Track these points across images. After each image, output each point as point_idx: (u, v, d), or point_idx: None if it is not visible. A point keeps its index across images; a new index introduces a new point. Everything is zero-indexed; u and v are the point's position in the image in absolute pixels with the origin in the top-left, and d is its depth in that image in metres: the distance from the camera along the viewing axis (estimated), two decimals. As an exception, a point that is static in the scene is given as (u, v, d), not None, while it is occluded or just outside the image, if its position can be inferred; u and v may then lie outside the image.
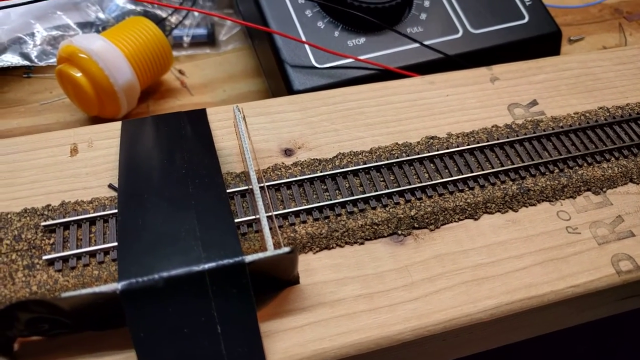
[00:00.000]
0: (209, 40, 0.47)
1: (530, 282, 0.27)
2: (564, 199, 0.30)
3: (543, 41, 0.42)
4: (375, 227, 0.28)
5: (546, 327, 0.29)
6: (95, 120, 0.40)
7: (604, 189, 0.30)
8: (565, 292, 0.26)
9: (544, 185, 0.30)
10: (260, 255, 0.23)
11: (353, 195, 0.28)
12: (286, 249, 0.23)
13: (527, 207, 0.29)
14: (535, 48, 0.42)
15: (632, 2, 0.53)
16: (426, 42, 0.39)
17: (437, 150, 0.31)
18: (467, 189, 0.29)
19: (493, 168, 0.30)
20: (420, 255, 0.27)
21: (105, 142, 0.31)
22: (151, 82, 0.42)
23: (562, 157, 0.31)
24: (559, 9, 0.52)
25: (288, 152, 0.31)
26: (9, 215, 0.27)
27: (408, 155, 0.30)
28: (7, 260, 0.25)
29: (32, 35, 0.43)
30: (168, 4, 0.44)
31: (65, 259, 0.25)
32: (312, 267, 0.26)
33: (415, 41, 0.38)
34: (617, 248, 0.28)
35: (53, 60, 0.42)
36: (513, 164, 0.30)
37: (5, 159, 0.30)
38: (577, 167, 0.31)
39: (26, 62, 0.42)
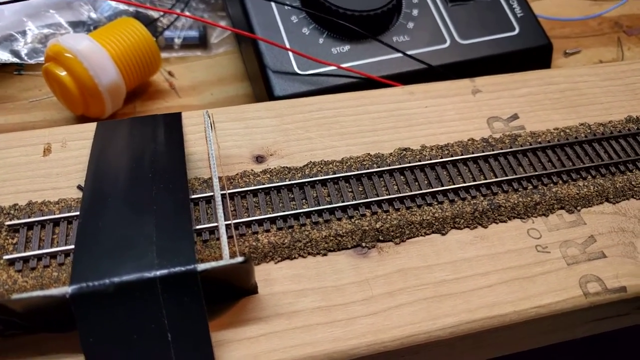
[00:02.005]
0: (201, 43, 0.47)
1: (494, 301, 0.26)
2: (536, 217, 0.29)
3: (533, 54, 0.41)
4: (339, 239, 0.27)
5: (510, 347, 0.29)
6: (82, 119, 0.41)
7: (578, 208, 0.30)
8: (529, 312, 0.26)
9: (515, 201, 0.29)
10: (213, 264, 0.23)
11: (319, 205, 0.28)
12: (239, 259, 0.23)
13: (497, 223, 0.29)
14: (525, 61, 0.41)
15: (633, 16, 0.53)
16: (412, 52, 0.39)
17: (409, 163, 0.30)
18: (435, 203, 0.29)
19: (465, 182, 0.30)
20: (383, 268, 0.27)
21: (79, 142, 0.31)
22: (138, 83, 0.42)
23: (537, 173, 0.30)
24: (556, 21, 0.51)
25: (259, 159, 0.31)
26: (-24, 213, 0.27)
27: (379, 167, 0.30)
28: (-31, 258, 0.26)
29: (24, 33, 0.43)
30: (158, 8, 0.44)
31: (26, 260, 0.26)
32: (272, 277, 0.26)
33: (399, 51, 0.38)
34: (586, 269, 0.27)
35: (43, 59, 0.43)
36: (486, 178, 0.30)
37: (-20, 157, 0.30)
38: (551, 185, 0.30)
39: (16, 60, 0.42)
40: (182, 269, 0.23)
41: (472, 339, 0.26)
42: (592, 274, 0.27)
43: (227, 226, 0.25)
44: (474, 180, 0.30)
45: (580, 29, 0.52)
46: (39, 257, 0.26)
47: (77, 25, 0.45)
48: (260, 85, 0.38)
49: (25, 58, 0.43)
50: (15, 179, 0.29)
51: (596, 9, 0.52)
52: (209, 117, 0.29)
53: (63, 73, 0.37)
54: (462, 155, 0.31)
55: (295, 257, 0.27)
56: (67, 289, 0.22)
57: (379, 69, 0.38)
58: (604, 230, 0.29)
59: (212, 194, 0.28)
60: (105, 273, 0.23)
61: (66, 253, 0.26)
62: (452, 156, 0.31)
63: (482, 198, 0.29)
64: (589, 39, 0.51)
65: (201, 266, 0.23)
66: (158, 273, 0.23)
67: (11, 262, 0.25)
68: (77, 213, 0.27)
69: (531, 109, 0.35)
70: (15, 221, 0.27)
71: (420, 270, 0.27)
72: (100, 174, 0.28)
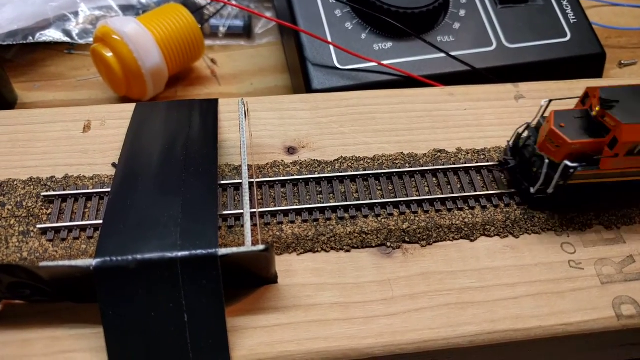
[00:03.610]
0: (245, 33, 0.48)
1: (519, 314, 0.25)
2: (571, 231, 0.28)
3: (584, 62, 0.40)
4: (364, 236, 0.27)
5: (533, 363, 0.28)
6: (124, 100, 0.42)
7: (618, 225, 0.28)
8: (556, 329, 0.25)
9: (551, 213, 0.28)
10: (234, 249, 0.23)
11: (346, 201, 0.28)
12: (260, 247, 0.23)
13: (529, 234, 0.28)
14: (575, 69, 0.40)
15: (697, 29, 0.50)
16: (456, 53, 0.38)
17: (443, 165, 0.30)
18: (467, 208, 0.28)
19: (499, 189, 0.29)
20: (406, 270, 0.26)
21: (117, 122, 0.32)
22: (181, 68, 0.43)
23: (576, 186, 0.29)
24: (613, 30, 0.49)
25: (291, 151, 0.31)
26: (15, 182, 0.28)
27: (411, 167, 0.29)
28: (5, 225, 0.27)
29: (76, 14, 0.45)
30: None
31: (57, 230, 0.26)
32: (293, 268, 0.26)
33: (443, 51, 0.37)
34: (621, 290, 0.26)
35: (92, 39, 0.44)
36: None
37: (25, 129, 0.31)
38: (591, 199, 0.29)
39: (67, 39, 0.44)
40: (203, 252, 0.23)
41: (492, 351, 0.25)
42: (627, 295, 0.26)
43: (252, 214, 0.25)
44: (509, 188, 0.29)
45: (638, 39, 0.49)
46: (69, 229, 0.26)
47: (127, 9, 0.46)
48: (299, 77, 0.38)
49: (76, 38, 0.44)
50: (54, 152, 0.30)
51: (657, 19, 0.49)
52: (244, 105, 0.29)
53: (109, 54, 0.38)
54: (497, 161, 0.30)
55: (318, 251, 0.27)
56: (91, 262, 0.22)
57: (420, 68, 0.37)
58: (645, 251, 0.28)
59: (240, 181, 0.28)
60: (129, 249, 0.23)
61: (95, 227, 0.27)
62: (487, 161, 0.30)
63: (515, 207, 0.28)
64: (647, 50, 0.49)
65: (222, 251, 0.23)
66: (179, 254, 0.23)
67: (44, 231, 0.26)
68: (109, 189, 0.28)
69: (576, 118, 0.33)
70: (51, 192, 0.27)
71: (445, 275, 0.26)
72: (134, 153, 0.28)
